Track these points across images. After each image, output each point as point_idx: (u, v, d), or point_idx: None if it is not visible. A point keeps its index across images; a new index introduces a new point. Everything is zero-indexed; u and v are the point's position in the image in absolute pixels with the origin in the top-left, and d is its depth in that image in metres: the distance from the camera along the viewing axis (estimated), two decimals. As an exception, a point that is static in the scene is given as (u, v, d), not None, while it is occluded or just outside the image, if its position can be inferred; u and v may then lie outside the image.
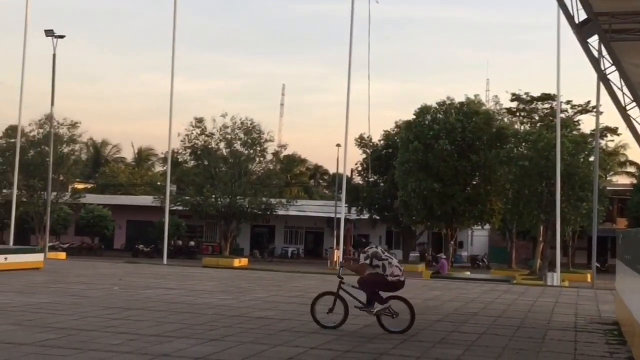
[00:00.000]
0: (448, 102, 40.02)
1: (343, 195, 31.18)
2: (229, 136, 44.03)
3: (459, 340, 9.90)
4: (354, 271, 10.57)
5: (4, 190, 47.06)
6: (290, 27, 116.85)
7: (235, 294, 15.46)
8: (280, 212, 45.81)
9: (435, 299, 15.89)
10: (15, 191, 33.65)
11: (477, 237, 54.52)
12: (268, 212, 45.10)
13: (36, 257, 20.83)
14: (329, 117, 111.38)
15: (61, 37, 33.55)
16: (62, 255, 34.06)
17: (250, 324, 10.58)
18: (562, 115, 34.13)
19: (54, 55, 33.59)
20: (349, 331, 10.21)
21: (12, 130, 46.07)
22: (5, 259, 19.23)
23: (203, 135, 44.27)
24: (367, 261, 10.30)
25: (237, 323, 10.66)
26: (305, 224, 54.28)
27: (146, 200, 49.50)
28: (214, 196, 43.00)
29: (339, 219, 34.53)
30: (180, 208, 44.65)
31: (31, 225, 44.27)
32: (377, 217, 46.08)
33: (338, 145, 43.98)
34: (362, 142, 45.56)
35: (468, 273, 31.31)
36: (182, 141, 44.27)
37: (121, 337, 8.97)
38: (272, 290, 16.50)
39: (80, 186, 54.99)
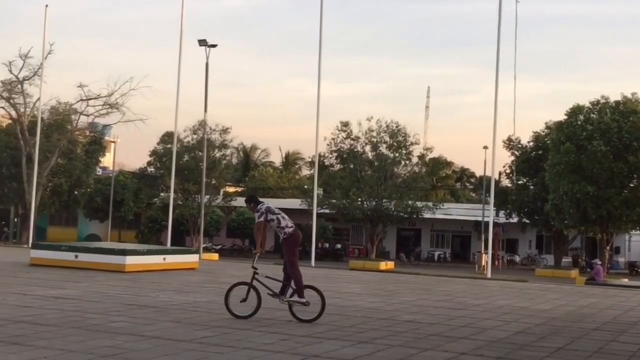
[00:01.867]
0: (602, 101, 38.24)
1: (491, 199, 30.47)
2: (375, 139, 44.23)
3: (618, 350, 9.43)
4: (261, 238, 10.71)
5: (162, 194, 49.57)
6: (435, 28, 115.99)
7: (382, 297, 15.48)
8: (427, 215, 45.48)
9: (591, 306, 15.22)
10: (172, 195, 35.26)
11: (636, 243, 51.74)
12: (414, 216, 44.89)
13: (192, 258, 21.74)
14: (475, 118, 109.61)
15: (213, 46, 34.87)
16: (215, 256, 35.37)
17: (399, 327, 10.55)
18: None
19: (207, 64, 34.95)
20: (498, 338, 9.97)
21: (168, 137, 48.47)
22: (164, 259, 20.18)
23: (349, 139, 44.73)
24: (262, 217, 10.60)
25: (386, 326, 10.66)
26: (452, 227, 53.60)
27: (294, 203, 50.52)
28: (360, 199, 43.30)
29: (486, 223, 33.83)
30: (326, 211, 45.25)
31: (186, 227, 46.31)
32: (527, 221, 44.79)
33: (485, 147, 43.18)
34: (510, 144, 44.44)
35: (626, 280, 29.81)
36: (328, 145, 44.94)
37: (273, 337, 9.19)
38: (419, 294, 16.39)
39: (231, 189, 56.97)
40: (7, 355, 7.37)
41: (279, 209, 11.05)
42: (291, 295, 10.64)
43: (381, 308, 13.10)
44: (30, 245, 29.51)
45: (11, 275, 16.75)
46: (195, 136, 47.06)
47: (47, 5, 36.82)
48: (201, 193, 37.60)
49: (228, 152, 50.14)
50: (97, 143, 53.46)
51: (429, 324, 11.12)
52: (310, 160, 60.50)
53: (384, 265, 36.58)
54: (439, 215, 47.38)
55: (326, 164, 46.38)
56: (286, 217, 10.84)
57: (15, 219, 53.69)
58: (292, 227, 10.75)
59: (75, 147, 50.45)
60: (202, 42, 34.57)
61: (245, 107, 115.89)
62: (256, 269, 10.83)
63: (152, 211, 51.25)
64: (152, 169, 52.36)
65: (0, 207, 54.37)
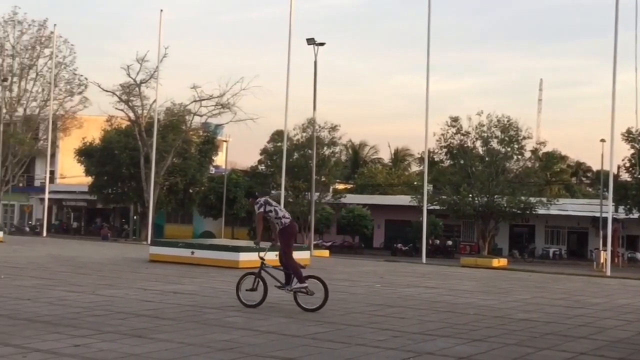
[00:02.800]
0: None
1: (610, 193, 29.32)
2: (485, 134, 43.48)
3: None
4: (261, 228, 11.24)
5: (273, 192, 50.37)
6: (546, 19, 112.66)
7: (496, 294, 15.18)
8: (541, 211, 44.27)
9: None
10: (282, 192, 35.77)
11: None
12: (527, 212, 43.83)
13: (303, 255, 21.94)
14: (591, 111, 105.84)
15: (321, 44, 35.16)
16: (326, 253, 35.63)
17: (514, 326, 10.32)
18: None
19: (315, 62, 35.29)
20: (620, 338, 9.60)
21: (278, 135, 49.22)
22: (276, 255, 20.45)
23: (459, 134, 44.12)
24: (261, 209, 11.02)
25: (500, 324, 10.45)
26: (568, 223, 51.92)
27: (403, 200, 50.32)
28: (470, 195, 42.69)
29: (605, 219, 32.60)
30: (437, 207, 44.81)
31: (297, 224, 46.84)
32: (648, 217, 42.89)
33: (602, 140, 41.64)
34: (630, 136, 42.66)
35: None
36: (437, 141, 44.50)
37: (386, 334, 9.18)
38: (534, 292, 15.97)
39: (340, 187, 57.27)
40: (132, 347, 7.69)
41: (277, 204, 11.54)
42: (295, 284, 11.00)
43: (495, 306, 12.85)
44: (149, 242, 30.66)
45: (132, 271, 17.45)
46: (304, 134, 47.59)
47: (162, 10, 38.20)
48: (311, 190, 37.97)
49: (337, 149, 50.45)
50: (210, 142, 54.92)
51: (545, 322, 10.82)
52: (419, 156, 60.05)
53: (497, 262, 35.78)
54: (553, 211, 46.03)
55: (436, 159, 45.93)
56: (283, 209, 11.46)
57: (135, 217, 55.90)
58: (289, 218, 11.21)
59: (189, 147, 52.00)
60: (311, 41, 34.90)
61: (354, 104, 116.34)
62: (263, 259, 11.19)
63: (264, 209, 52.01)
64: (263, 167, 53.30)
65: (120, 205, 56.76)
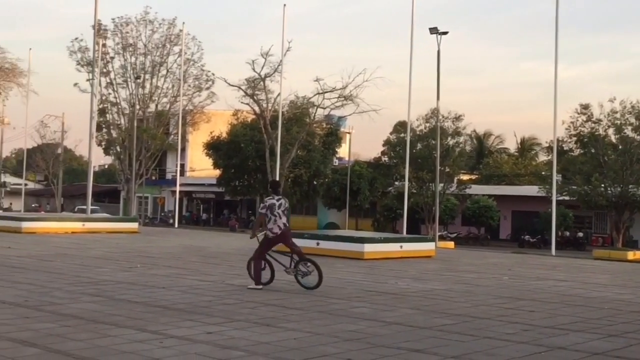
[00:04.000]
0: None
1: None
2: (619, 122, 41.59)
3: None
4: (259, 226, 12.05)
5: (396, 183, 50.30)
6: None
7: (632, 288, 14.52)
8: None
9: None
10: (406, 183, 35.61)
11: None
12: (665, 202, 41.65)
13: (428, 246, 21.80)
14: None
15: (444, 33, 34.70)
16: (451, 244, 35.21)
17: (653, 321, 9.83)
18: None
19: (438, 52, 34.88)
20: None
21: (400, 126, 49.03)
22: (401, 247, 20.43)
23: (589, 122, 42.44)
24: (264, 211, 11.74)
25: (638, 319, 9.98)
26: None
27: (531, 190, 48.94)
28: (603, 185, 40.99)
29: None
30: (566, 198, 43.31)
31: (421, 215, 46.55)
32: None
33: None
34: None
35: None
36: (566, 129, 42.97)
37: (515, 327, 8.97)
38: (674, 286, 15.15)
39: (465, 177, 56.37)
40: (261, 335, 7.86)
41: (282, 209, 11.90)
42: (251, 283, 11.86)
43: (632, 300, 12.29)
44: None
45: (260, 261, 17.82)
46: (428, 124, 47.10)
47: (285, 5, 38.73)
48: (435, 181, 37.62)
49: (461, 139, 49.65)
50: (333, 134, 55.39)
51: (688, 318, 10.24)
52: (547, 145, 58.19)
53: (632, 254, 34.20)
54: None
55: (565, 148, 44.36)
56: (281, 219, 11.77)
57: (261, 209, 57.09)
58: (279, 230, 11.69)
59: (313, 139, 52.64)
60: (433, 30, 34.52)
61: (478, 93, 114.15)
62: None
63: (387, 200, 52.09)
64: (386, 159, 53.25)
65: (247, 197, 58.19)
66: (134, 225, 30.31)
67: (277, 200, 11.87)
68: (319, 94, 49.17)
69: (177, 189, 48.00)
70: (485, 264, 19.82)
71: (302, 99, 50.83)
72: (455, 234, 47.79)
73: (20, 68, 63.69)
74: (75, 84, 52.15)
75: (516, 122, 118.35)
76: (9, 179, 78.52)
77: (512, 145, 77.63)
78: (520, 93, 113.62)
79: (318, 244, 20.00)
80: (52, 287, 11.30)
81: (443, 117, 45.62)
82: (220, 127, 54.51)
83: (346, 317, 9.37)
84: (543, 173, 55.36)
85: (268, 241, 11.81)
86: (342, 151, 62.83)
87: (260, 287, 11.73)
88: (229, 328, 8.24)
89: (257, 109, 50.27)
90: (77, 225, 27.64)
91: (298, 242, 20.55)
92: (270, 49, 47.84)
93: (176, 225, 45.25)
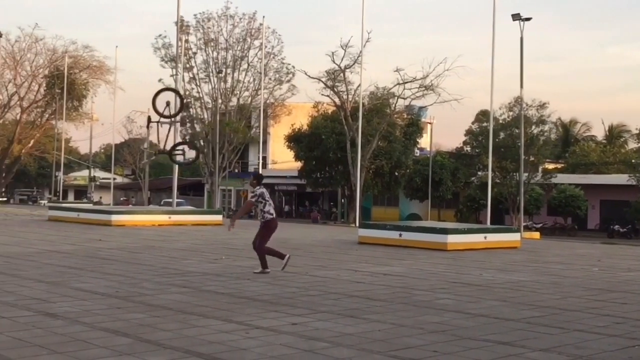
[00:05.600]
0: None
1: None
2: None
3: None
4: (244, 213, 13.64)
5: (479, 173, 49.57)
6: None
7: None
8: None
9: None
10: (489, 173, 35.05)
11: None
12: None
13: (513, 237, 21.39)
14: None
15: (528, 19, 33.90)
16: (536, 235, 34.49)
17: None
18: None
19: (521, 39, 34.10)
20: None
21: (482, 115, 48.31)
22: (485, 237, 20.11)
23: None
24: (254, 199, 12.41)
25: None
26: None
27: (620, 179, 47.47)
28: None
29: None
30: (658, 186, 41.83)
31: (505, 205, 45.75)
32: None
33: None
34: None
35: None
36: (658, 115, 41.42)
37: (606, 320, 8.71)
38: None
39: (550, 166, 55.11)
40: (346, 327, 7.87)
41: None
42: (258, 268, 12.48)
43: None
44: (357, 225, 31.29)
45: (342, 253, 17.89)
46: (511, 113, 46.23)
47: (364, -5, 38.52)
48: (519, 171, 36.89)
49: (546, 127, 48.49)
50: (414, 125, 54.98)
51: None
52: (637, 132, 56.18)
53: None
54: None
55: (656, 135, 42.83)
56: (271, 205, 12.57)
57: (343, 200, 57.29)
58: (272, 215, 12.47)
59: (394, 130, 52.36)
60: (516, 17, 33.78)
61: (563, 80, 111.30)
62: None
63: (470, 190, 51.43)
64: (468, 148, 52.55)
65: (329, 189, 58.40)
66: (218, 218, 30.82)
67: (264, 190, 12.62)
68: (399, 84, 48.93)
69: (260, 181, 48.46)
70: (573, 255, 19.32)
71: (382, 89, 50.66)
72: (540, 225, 46.80)
73: (107, 66, 65.89)
74: (160, 80, 53.46)
75: (604, 109, 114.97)
76: (99, 174, 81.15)
77: (599, 133, 75.50)
78: (607, 79, 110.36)
79: (400, 235, 19.91)
80: (141, 279, 11.60)
81: (527, 105, 44.64)
82: (301, 120, 54.85)
83: (430, 308, 9.29)
84: (633, 161, 53.60)
85: (268, 226, 12.49)
86: (424, 141, 62.32)
87: (269, 270, 12.41)
88: (313, 319, 8.28)
89: (337, 100, 50.35)
90: (164, 218, 28.31)
91: (380, 233, 20.63)
92: (349, 40, 47.90)
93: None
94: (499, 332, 7.82)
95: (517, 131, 40.80)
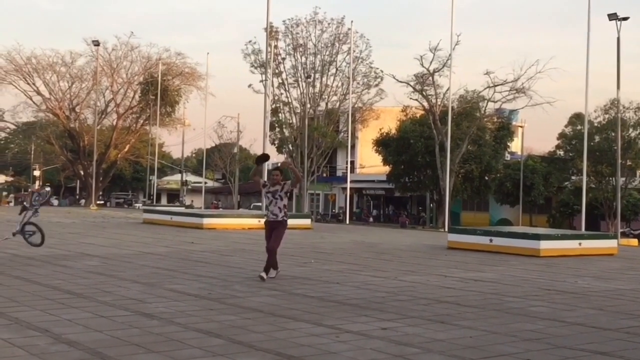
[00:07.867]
0: None
1: None
2: None
3: None
4: (297, 178, 13.35)
5: (573, 177, 48.27)
6: None
7: None
8: None
9: None
10: (584, 178, 34.10)
11: None
12: None
13: (609, 244, 20.71)
14: None
15: (625, 19, 32.90)
16: (634, 242, 33.27)
17: None
18: None
19: (618, 39, 33.07)
20: None
21: (576, 118, 46.98)
22: (580, 244, 19.55)
23: None
24: (264, 189, 12.68)
25: None
26: None
27: None
28: None
29: None
30: None
31: (600, 211, 44.39)
32: None
33: None
34: None
35: None
36: None
37: None
38: None
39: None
40: (436, 333, 7.78)
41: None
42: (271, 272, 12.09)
43: None
44: (446, 230, 30.95)
45: (431, 258, 17.71)
46: (606, 116, 44.85)
47: (453, -3, 38.12)
48: (616, 175, 35.72)
49: (646, 130, 46.78)
50: (505, 128, 53.98)
51: None
52: None
53: None
54: None
55: None
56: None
57: (431, 205, 56.80)
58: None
59: (484, 134, 51.55)
60: (613, 16, 32.83)
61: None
62: None
63: (563, 195, 50.15)
64: (562, 152, 51.29)
65: (417, 193, 57.99)
66: (307, 222, 30.99)
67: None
68: (489, 87, 48.17)
69: (348, 185, 48.69)
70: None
71: (472, 93, 49.97)
72: (638, 231, 45.14)
73: (198, 72, 67.46)
74: (249, 85, 54.50)
75: None
76: (190, 178, 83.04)
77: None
78: None
79: (491, 240, 19.57)
80: (232, 281, 11.79)
81: (624, 107, 43.25)
82: (389, 124, 54.68)
83: (524, 315, 9.08)
84: None
85: (285, 226, 12.54)
86: (515, 145, 61.10)
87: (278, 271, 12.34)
88: (403, 324, 8.22)
89: (426, 104, 49.95)
90: (253, 222, 28.70)
91: (470, 238, 20.33)
92: (438, 43, 47.42)
93: (347, 221, 45.81)
94: (596, 341, 7.57)
95: (613, 134, 39.56)
